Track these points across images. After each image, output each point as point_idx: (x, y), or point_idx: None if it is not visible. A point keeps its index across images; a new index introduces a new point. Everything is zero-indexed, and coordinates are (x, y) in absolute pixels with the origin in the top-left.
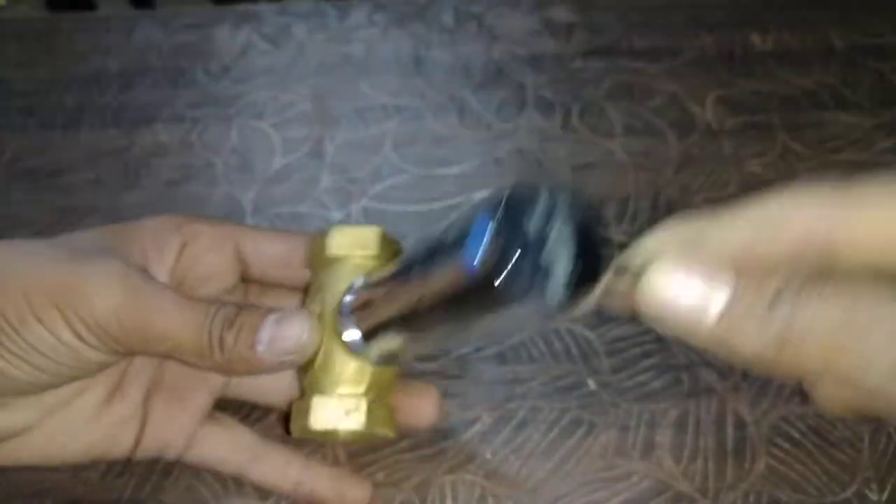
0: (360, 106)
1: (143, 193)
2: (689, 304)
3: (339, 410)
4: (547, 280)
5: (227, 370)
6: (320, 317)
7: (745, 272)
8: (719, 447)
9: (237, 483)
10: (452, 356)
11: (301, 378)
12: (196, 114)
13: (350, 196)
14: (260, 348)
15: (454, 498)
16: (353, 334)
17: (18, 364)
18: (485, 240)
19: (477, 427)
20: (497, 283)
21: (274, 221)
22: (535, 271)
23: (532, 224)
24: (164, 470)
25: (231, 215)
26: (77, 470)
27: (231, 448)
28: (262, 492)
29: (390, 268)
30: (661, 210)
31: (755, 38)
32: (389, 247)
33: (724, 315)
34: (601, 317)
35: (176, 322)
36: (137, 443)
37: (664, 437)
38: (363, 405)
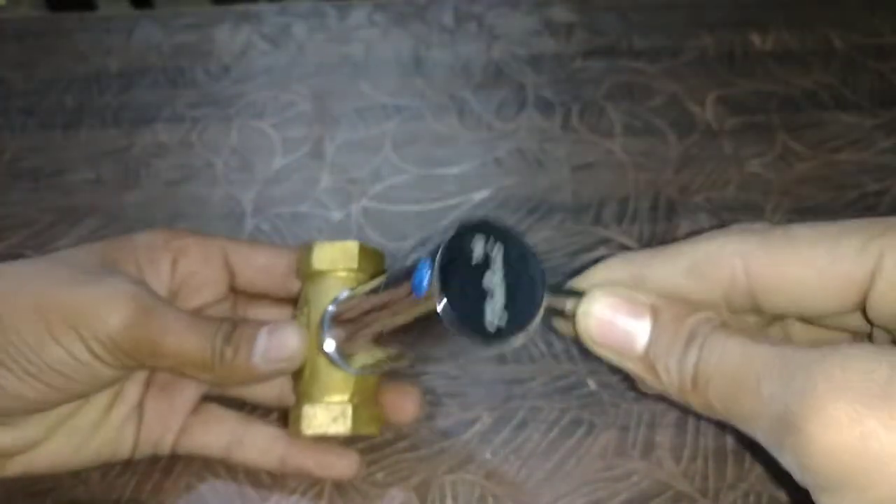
0: (360, 106)
1: (143, 193)
2: (621, 332)
3: (328, 417)
4: (488, 303)
5: (226, 382)
6: (307, 329)
7: (670, 307)
8: (719, 447)
9: (238, 482)
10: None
11: (294, 385)
12: (196, 114)
13: (350, 196)
14: (255, 359)
15: (454, 498)
16: (333, 350)
17: (33, 384)
18: (431, 268)
19: (477, 427)
20: (440, 306)
21: (274, 221)
22: (478, 296)
23: (475, 254)
24: (164, 469)
25: (231, 215)
26: (78, 470)
27: (215, 434)
28: (263, 490)
29: (363, 289)
30: (661, 210)
31: (755, 38)
32: (371, 258)
33: (649, 347)
34: None
35: (183, 338)
36: (136, 443)
37: (664, 437)
38: (349, 411)
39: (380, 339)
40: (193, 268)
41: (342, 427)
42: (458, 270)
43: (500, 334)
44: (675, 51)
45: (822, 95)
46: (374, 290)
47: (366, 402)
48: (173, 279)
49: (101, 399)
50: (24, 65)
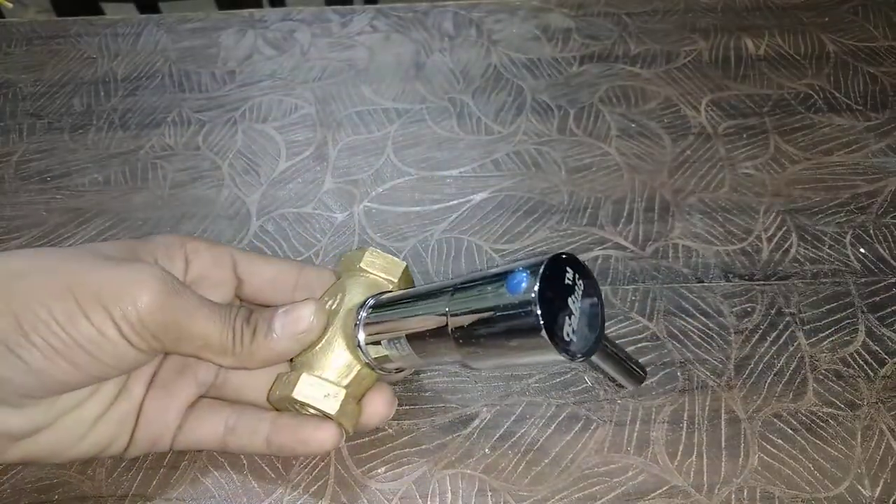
0: (363, 110)
1: (150, 195)
2: None
3: (321, 391)
4: (567, 320)
5: (247, 363)
6: (333, 311)
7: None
8: (713, 443)
9: (243, 477)
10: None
11: (294, 359)
12: (202, 117)
13: (352, 197)
14: (274, 335)
15: (454, 492)
16: (360, 333)
17: (58, 361)
18: (528, 276)
19: (476, 422)
20: (532, 309)
21: (279, 223)
22: (561, 310)
23: (566, 278)
24: (170, 465)
25: (237, 217)
26: (84, 466)
27: (210, 425)
28: (268, 484)
29: (414, 289)
30: (656, 211)
31: (749, 43)
32: (408, 282)
33: None
34: None
35: (206, 321)
36: (132, 439)
37: (659, 432)
38: (341, 395)
39: (418, 338)
40: (204, 270)
41: (329, 407)
42: (552, 284)
43: (570, 350)
44: (670, 55)
45: (815, 98)
46: (435, 292)
47: (355, 396)
48: (186, 278)
49: (108, 392)
50: (31, 68)
